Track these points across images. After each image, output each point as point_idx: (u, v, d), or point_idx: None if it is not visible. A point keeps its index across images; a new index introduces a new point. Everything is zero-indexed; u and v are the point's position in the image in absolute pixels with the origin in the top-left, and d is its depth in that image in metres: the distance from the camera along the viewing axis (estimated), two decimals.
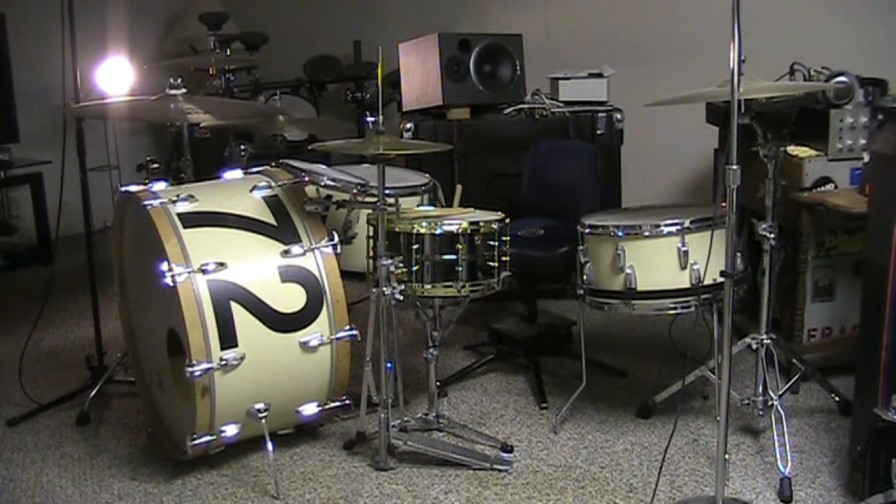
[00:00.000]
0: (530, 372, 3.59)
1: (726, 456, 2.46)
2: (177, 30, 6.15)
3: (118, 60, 4.40)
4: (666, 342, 3.69)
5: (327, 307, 2.98)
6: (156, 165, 3.51)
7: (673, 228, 2.94)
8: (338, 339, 2.98)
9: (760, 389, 3.02)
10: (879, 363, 2.49)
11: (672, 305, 2.97)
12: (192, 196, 2.99)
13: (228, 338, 2.82)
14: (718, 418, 2.45)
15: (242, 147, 4.03)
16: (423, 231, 2.91)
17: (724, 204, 2.39)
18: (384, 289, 2.85)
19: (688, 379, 3.12)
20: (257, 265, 2.94)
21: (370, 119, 2.87)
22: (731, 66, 2.27)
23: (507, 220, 3.03)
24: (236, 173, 3.26)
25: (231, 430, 2.88)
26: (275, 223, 3.02)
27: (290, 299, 2.94)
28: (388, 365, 2.90)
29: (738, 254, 2.92)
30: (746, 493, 2.75)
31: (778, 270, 3.33)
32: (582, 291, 3.10)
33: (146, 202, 2.94)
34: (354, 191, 3.08)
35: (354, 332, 3.00)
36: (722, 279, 2.41)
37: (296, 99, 5.75)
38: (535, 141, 4.02)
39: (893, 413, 2.38)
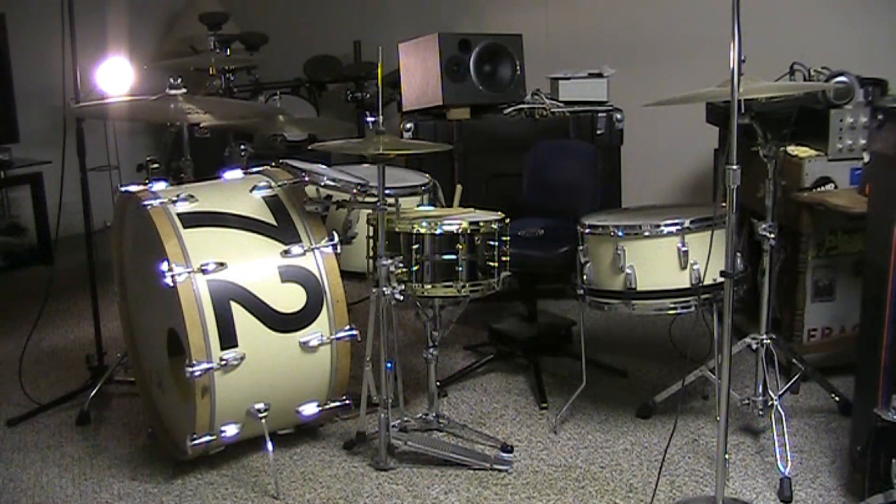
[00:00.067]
0: (530, 372, 3.59)
1: (726, 456, 2.46)
2: (177, 30, 6.15)
3: (118, 60, 4.40)
4: (666, 342, 3.69)
5: (327, 307, 2.98)
6: (156, 165, 3.50)
7: (673, 228, 2.94)
8: (338, 339, 2.98)
9: (760, 389, 3.02)
10: (879, 363, 2.48)
11: (672, 305, 2.97)
12: (192, 196, 2.99)
13: (228, 338, 2.82)
14: (718, 418, 2.45)
15: (242, 147, 4.03)
16: (423, 231, 2.91)
17: (724, 204, 2.39)
18: (384, 289, 2.85)
19: (688, 379, 3.12)
20: (257, 265, 2.94)
21: (370, 119, 2.87)
22: (731, 66, 2.27)
23: (507, 220, 3.03)
24: (236, 173, 3.26)
25: (231, 430, 2.88)
26: (275, 223, 3.02)
27: (290, 299, 2.94)
28: (388, 365, 2.90)
29: (738, 254, 2.93)
30: (746, 493, 2.75)
31: (778, 270, 3.33)
32: (582, 291, 3.10)
33: (146, 202, 2.94)
34: (354, 191, 3.08)
35: (354, 332, 3.00)
36: (722, 279, 2.41)
37: (296, 99, 5.75)
38: (535, 141, 4.02)
39: (893, 413, 2.38)
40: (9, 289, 4.97)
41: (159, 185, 3.09)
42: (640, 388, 3.49)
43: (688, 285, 2.93)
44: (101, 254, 3.54)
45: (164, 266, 2.78)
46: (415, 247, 2.90)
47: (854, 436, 2.74)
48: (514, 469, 2.93)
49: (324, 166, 3.38)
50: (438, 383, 3.21)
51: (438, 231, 2.91)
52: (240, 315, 2.85)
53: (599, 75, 4.37)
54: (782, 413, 2.88)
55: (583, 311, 3.18)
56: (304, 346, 2.94)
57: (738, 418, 3.16)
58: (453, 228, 2.91)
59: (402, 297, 2.87)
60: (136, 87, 4.33)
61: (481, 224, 2.95)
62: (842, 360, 3.38)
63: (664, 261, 2.95)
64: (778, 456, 2.77)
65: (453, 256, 2.91)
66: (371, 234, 2.96)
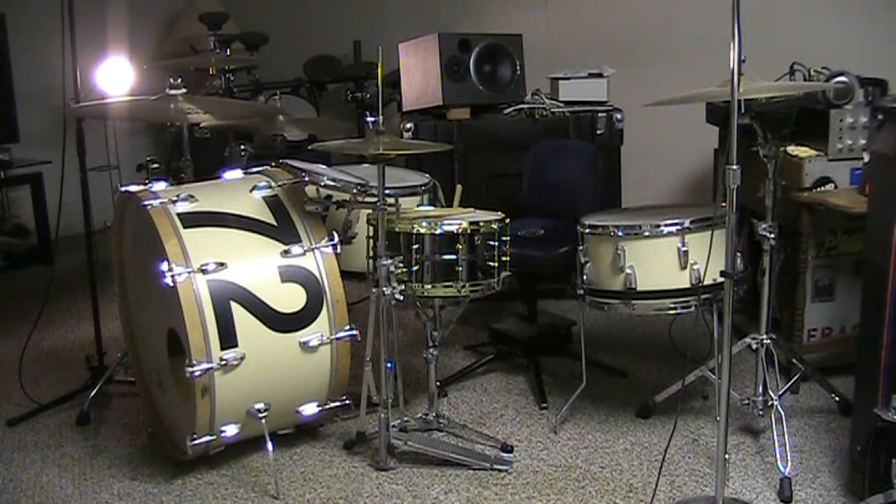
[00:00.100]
0: (530, 372, 3.59)
1: (726, 456, 2.46)
2: (177, 30, 6.15)
3: (118, 60, 4.40)
4: (666, 342, 3.69)
5: (327, 307, 2.98)
6: (156, 165, 3.50)
7: (673, 228, 2.94)
8: (338, 339, 2.98)
9: (760, 389, 3.02)
10: (879, 363, 2.48)
11: (672, 305, 2.97)
12: (192, 196, 2.99)
13: (228, 338, 2.82)
14: (718, 418, 2.45)
15: (242, 147, 4.03)
16: (423, 231, 2.91)
17: (724, 204, 2.39)
18: (384, 289, 2.85)
19: (688, 379, 3.12)
20: (257, 265, 2.94)
21: (370, 119, 2.87)
22: (731, 66, 2.27)
23: (507, 220, 3.03)
24: (236, 173, 3.26)
25: (231, 430, 2.88)
26: (275, 223, 3.02)
27: (290, 299, 2.94)
28: (388, 365, 2.90)
29: (738, 254, 2.92)
30: (746, 493, 2.75)
31: (778, 270, 3.33)
32: (582, 291, 3.10)
33: (146, 202, 2.94)
34: (354, 191, 3.08)
35: (354, 332, 3.00)
36: (722, 279, 2.41)
37: (296, 99, 5.75)
38: (535, 141, 4.02)
39: (893, 413, 2.38)
40: (9, 289, 4.97)
41: (159, 185, 3.09)
42: (640, 388, 3.49)
43: (688, 285, 2.93)
44: (101, 254, 3.54)
45: (164, 266, 2.78)
46: (415, 247, 2.90)
47: (854, 436, 2.74)
48: (514, 469, 2.93)
49: (324, 166, 3.38)
50: (438, 383, 3.21)
51: (438, 231, 2.91)
52: (240, 315, 2.85)
53: (599, 75, 4.37)
54: (782, 413, 2.88)
55: (583, 311, 3.18)
56: (304, 346, 2.94)
57: (738, 418, 3.16)
58: (453, 228, 2.91)
59: (402, 297, 2.87)
60: (136, 87, 4.33)
61: (481, 224, 2.95)
62: (842, 360, 3.38)
63: (664, 261, 2.95)
64: (778, 456, 2.77)
65: (453, 256, 2.91)
66: (371, 234, 2.96)
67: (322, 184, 3.16)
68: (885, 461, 2.36)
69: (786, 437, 2.83)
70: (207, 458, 2.99)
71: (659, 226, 2.95)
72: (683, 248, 2.92)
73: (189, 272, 2.81)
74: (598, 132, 4.29)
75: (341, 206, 3.11)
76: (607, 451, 3.05)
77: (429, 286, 2.92)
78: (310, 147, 3.22)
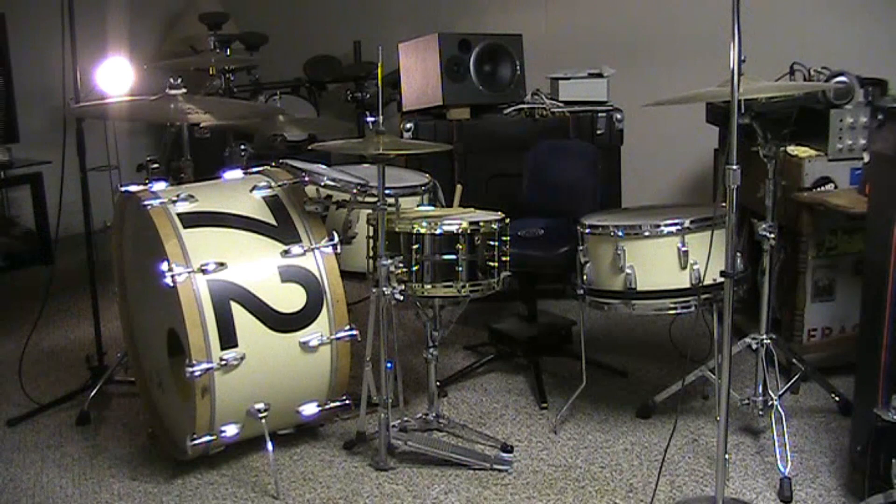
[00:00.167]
0: (530, 372, 3.59)
1: (726, 456, 2.46)
2: (177, 30, 6.15)
3: (118, 60, 4.40)
4: (666, 342, 3.69)
5: (327, 307, 2.98)
6: (156, 165, 3.50)
7: (673, 228, 2.94)
8: (338, 339, 2.98)
9: (760, 389, 3.02)
10: (879, 363, 2.48)
11: (672, 305, 2.97)
12: (192, 196, 2.99)
13: (228, 338, 2.82)
14: (718, 418, 2.45)
15: (242, 147, 4.03)
16: (423, 231, 2.91)
17: (724, 204, 2.39)
18: (384, 289, 2.85)
19: (688, 379, 3.12)
20: (257, 265, 2.94)
21: (370, 119, 2.87)
22: (731, 66, 2.27)
23: (507, 220, 3.03)
24: (236, 173, 3.26)
25: (231, 430, 2.88)
26: (275, 223, 3.02)
27: (290, 299, 2.94)
28: (388, 365, 2.90)
29: (738, 254, 2.92)
30: (746, 493, 2.75)
31: (778, 270, 3.33)
32: (582, 291, 3.10)
33: (146, 202, 2.94)
34: (354, 191, 3.08)
35: (354, 332, 3.00)
36: (722, 279, 2.41)
37: (296, 99, 5.75)
38: (535, 141, 4.02)
39: (893, 413, 2.38)
40: (9, 289, 4.97)
41: (159, 185, 3.09)
42: (640, 388, 3.49)
43: (688, 285, 2.93)
44: (101, 254, 3.53)
45: (164, 266, 2.78)
46: (415, 247, 2.90)
47: (854, 436, 2.73)
48: (514, 469, 2.93)
49: (324, 166, 3.37)
50: (438, 383, 3.21)
51: (438, 231, 2.91)
52: (240, 315, 2.85)
53: (599, 75, 4.37)
54: (782, 413, 2.88)
55: (583, 311, 3.18)
56: (304, 346, 2.94)
57: (738, 418, 3.16)
58: (453, 228, 2.91)
59: (402, 297, 2.87)
60: (136, 87, 4.33)
61: (481, 224, 2.95)
62: (842, 360, 3.38)
63: (664, 261, 2.95)
64: (778, 456, 2.77)
65: (453, 256, 2.91)
66: (371, 234, 2.96)
67: (322, 184, 3.16)
68: (885, 461, 2.36)
69: (786, 437, 2.83)
70: (207, 458, 2.99)
71: (659, 226, 2.95)
72: (683, 248, 2.92)
73: (189, 272, 2.81)
74: (598, 132, 4.29)
75: (341, 206, 3.11)
76: (607, 451, 3.05)
77: (429, 286, 2.92)
78: (310, 147, 3.22)
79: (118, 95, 4.17)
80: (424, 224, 2.92)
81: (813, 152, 3.40)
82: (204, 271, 2.83)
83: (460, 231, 2.91)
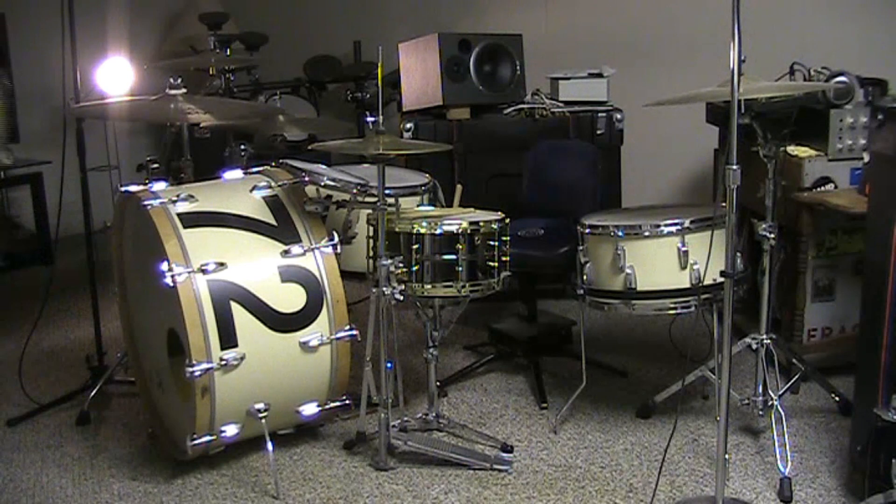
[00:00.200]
0: (530, 372, 3.59)
1: (726, 456, 2.46)
2: (177, 30, 6.15)
3: (118, 60, 4.40)
4: (666, 342, 3.69)
5: (327, 307, 2.98)
6: (156, 165, 3.50)
7: (673, 228, 2.94)
8: (338, 339, 2.98)
9: (760, 389, 3.02)
10: (879, 363, 2.48)
11: (672, 305, 2.97)
12: (192, 196, 2.99)
13: (228, 338, 2.82)
14: (718, 418, 2.45)
15: (242, 147, 4.03)
16: (423, 231, 2.91)
17: (724, 204, 2.39)
18: (384, 289, 2.85)
19: (688, 379, 3.12)
20: (257, 265, 2.94)
21: (370, 119, 2.87)
22: (731, 66, 2.27)
23: (507, 220, 3.03)
24: (236, 173, 3.26)
25: (231, 430, 2.88)
26: (275, 223, 3.02)
27: (290, 299, 2.94)
28: (388, 365, 2.90)
29: (738, 254, 2.92)
30: (746, 493, 2.75)
31: (778, 270, 3.33)
32: (582, 291, 3.10)
33: (146, 202, 2.94)
34: (354, 191, 3.08)
35: (354, 332, 3.00)
36: (722, 279, 2.42)
37: (296, 99, 5.75)
38: (535, 141, 4.02)
39: (893, 413, 2.38)
40: (9, 289, 4.97)
41: (159, 185, 3.09)
42: (640, 388, 3.49)
43: (688, 285, 2.93)
44: (101, 254, 3.53)
45: (164, 266, 2.78)
46: (415, 247, 2.90)
47: (854, 436, 2.74)
48: (514, 469, 2.93)
49: (324, 166, 3.38)
50: (438, 383, 3.21)
51: (438, 231, 2.91)
52: (240, 315, 2.85)
53: (599, 75, 4.37)
54: (782, 413, 2.88)
55: (583, 311, 3.18)
56: (304, 346, 2.94)
57: (738, 418, 3.16)
58: (453, 228, 2.91)
59: (402, 297, 2.87)
60: (136, 87, 4.33)
61: (481, 224, 2.95)
62: (842, 360, 3.38)
63: (664, 261, 2.95)
64: (778, 456, 2.77)
65: (453, 256, 2.91)
66: (371, 234, 2.96)
67: (322, 184, 3.16)
68: (885, 461, 2.36)
69: (786, 437, 2.83)
70: (207, 458, 2.99)
71: (659, 226, 2.95)
72: (683, 248, 2.92)
73: (189, 272, 2.81)
74: (598, 132, 4.29)
75: (341, 206, 3.11)
76: (607, 451, 3.05)
77: (429, 286, 2.92)
78: (310, 147, 3.22)
79: (118, 95, 4.17)
80: (424, 224, 2.92)
81: (813, 152, 3.40)
82: (204, 271, 2.83)
83: (460, 231, 2.91)
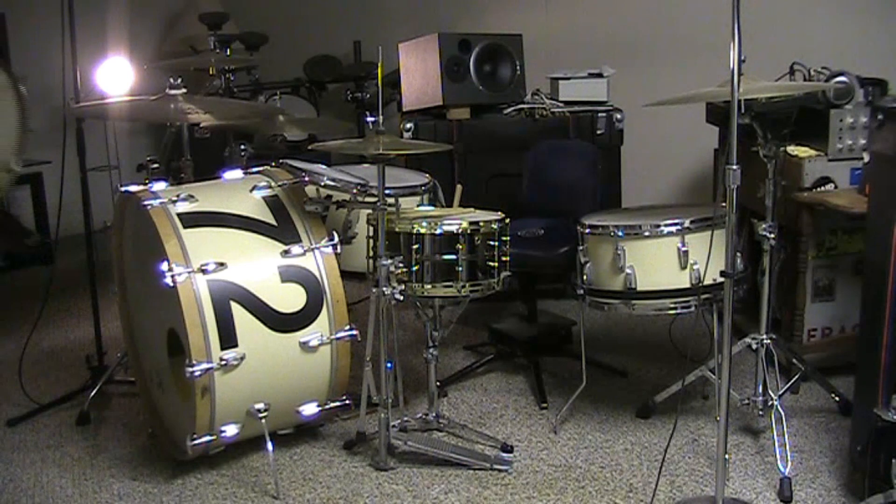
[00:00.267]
0: (530, 372, 3.59)
1: (726, 456, 2.46)
2: (177, 30, 6.15)
3: (118, 60, 4.40)
4: (666, 342, 3.69)
5: (327, 307, 2.98)
6: (156, 165, 3.50)
7: (673, 228, 2.94)
8: (338, 339, 2.98)
9: (760, 389, 3.02)
10: (879, 363, 2.48)
11: (672, 305, 2.97)
12: (192, 196, 2.99)
13: (228, 338, 2.82)
14: (718, 418, 2.45)
15: (242, 147, 4.03)
16: (423, 231, 2.91)
17: (724, 204, 2.39)
18: (384, 289, 2.84)
19: (688, 379, 3.12)
20: (257, 265, 2.94)
21: (370, 119, 2.88)
22: (731, 66, 2.27)
23: (507, 220, 3.03)
24: (236, 173, 3.26)
25: (231, 430, 2.88)
26: (275, 223, 3.02)
27: (290, 299, 2.94)
28: (388, 365, 2.90)
29: (738, 254, 2.92)
30: (746, 493, 2.75)
31: (778, 270, 3.33)
32: (582, 291, 3.10)
33: (146, 202, 2.94)
34: (354, 191, 3.08)
35: (354, 332, 3.00)
36: (722, 279, 2.42)
37: (296, 99, 5.75)
38: (535, 141, 4.02)
39: (893, 413, 2.38)
40: (9, 289, 4.97)
41: (159, 185, 3.09)
42: (640, 388, 3.49)
43: (688, 285, 2.93)
44: (101, 254, 3.54)
45: (164, 266, 2.78)
46: (415, 247, 2.90)
47: (854, 436, 2.74)
48: (514, 469, 2.93)
49: (324, 166, 3.38)
50: (438, 383, 3.21)
51: (438, 231, 2.91)
52: (240, 315, 2.85)
53: (599, 75, 4.37)
54: (782, 413, 2.88)
55: (583, 311, 3.18)
56: (304, 346, 2.94)
57: (738, 418, 3.16)
58: (453, 228, 2.91)
59: (402, 297, 2.87)
60: (136, 87, 4.33)
61: (481, 224, 2.95)
62: (842, 360, 3.38)
63: (664, 261, 2.95)
64: (778, 456, 2.77)
65: (453, 256, 2.91)
66: (371, 234, 2.96)
67: (322, 184, 3.16)
68: (885, 461, 2.36)
69: (786, 437, 2.83)
70: (207, 458, 2.99)
71: (659, 226, 2.95)
72: (683, 248, 2.92)
73: (189, 272, 2.81)
74: (598, 132, 4.29)
75: (341, 206, 3.11)
76: (607, 451, 3.05)
77: (429, 286, 2.92)
78: (310, 147, 3.22)
79: (118, 95, 4.17)
80: (424, 224, 2.92)
81: (813, 152, 3.40)
82: (204, 271, 2.83)
83: (460, 231, 2.91)
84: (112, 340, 3.73)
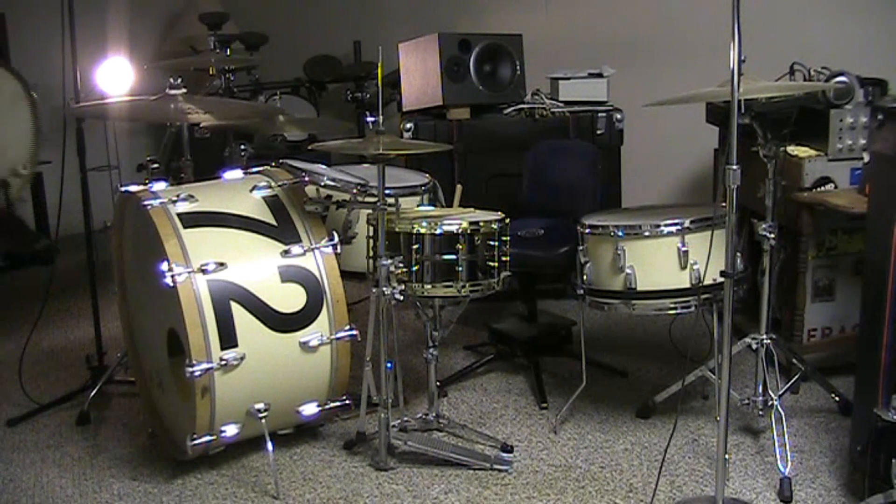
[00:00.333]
0: (530, 372, 3.59)
1: (726, 456, 2.46)
2: (177, 30, 6.15)
3: (118, 60, 4.40)
4: (666, 342, 3.69)
5: (327, 307, 2.98)
6: (156, 165, 3.50)
7: (673, 228, 2.94)
8: (338, 339, 2.98)
9: (760, 389, 3.02)
10: (879, 363, 2.48)
11: (672, 305, 2.97)
12: (192, 196, 2.99)
13: (228, 338, 2.82)
14: (718, 418, 2.45)
15: (242, 147, 4.03)
16: (423, 231, 2.91)
17: (724, 204, 2.39)
18: (384, 289, 2.85)
19: (688, 379, 3.12)
20: (257, 265, 2.94)
21: (370, 119, 2.88)
22: (731, 66, 2.27)
23: (507, 220, 3.03)
24: (236, 173, 3.26)
25: (231, 430, 2.88)
26: (275, 223, 3.02)
27: (290, 299, 2.94)
28: (388, 365, 2.90)
29: (738, 254, 2.92)
30: (746, 493, 2.75)
31: (778, 270, 3.33)
32: (582, 291, 3.10)
33: (146, 202, 2.94)
34: (354, 191, 3.08)
35: (354, 332, 3.00)
36: (722, 279, 2.42)
37: (296, 99, 5.75)
38: (535, 141, 4.02)
39: (893, 413, 2.38)
40: (9, 289, 4.97)
41: (159, 185, 3.09)
42: (640, 388, 3.49)
43: (688, 285, 2.93)
44: (101, 254, 3.53)
45: (164, 266, 2.78)
46: (415, 247, 2.90)
47: (854, 436, 2.74)
48: (514, 469, 2.93)
49: (324, 166, 3.38)
50: (438, 383, 3.21)
51: (438, 231, 2.91)
52: (240, 315, 2.85)
53: (599, 75, 4.37)
54: (782, 413, 2.88)
55: (583, 311, 3.18)
56: (304, 346, 2.94)
57: (738, 418, 3.16)
58: (453, 228, 2.91)
59: (402, 297, 2.87)
60: (136, 87, 4.33)
61: (481, 224, 2.95)
62: (842, 360, 3.38)
63: (664, 261, 2.95)
64: (778, 456, 2.77)
65: (453, 256, 2.91)
66: (371, 234, 2.96)
67: (322, 184, 3.16)
68: (885, 461, 2.36)
69: (786, 437, 2.83)
70: (207, 458, 2.99)
71: (659, 226, 2.95)
72: (683, 248, 2.92)
73: (189, 272, 2.81)
74: (598, 132, 4.29)
75: (341, 206, 3.11)
76: (607, 451, 3.05)
77: (429, 286, 2.92)
78: (310, 147, 3.22)
79: (118, 95, 4.17)
80: (424, 224, 2.92)
81: (813, 152, 3.40)
82: (204, 271, 2.83)
83: (460, 231, 2.91)
84: (112, 340, 3.73)
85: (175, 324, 2.87)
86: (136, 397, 3.39)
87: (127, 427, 3.31)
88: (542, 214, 3.71)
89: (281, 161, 3.33)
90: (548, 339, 3.72)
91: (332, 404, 3.06)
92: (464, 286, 2.93)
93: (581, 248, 3.10)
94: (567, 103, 4.36)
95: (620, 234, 2.98)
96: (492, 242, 2.96)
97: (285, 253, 2.96)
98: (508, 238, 3.03)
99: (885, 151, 2.61)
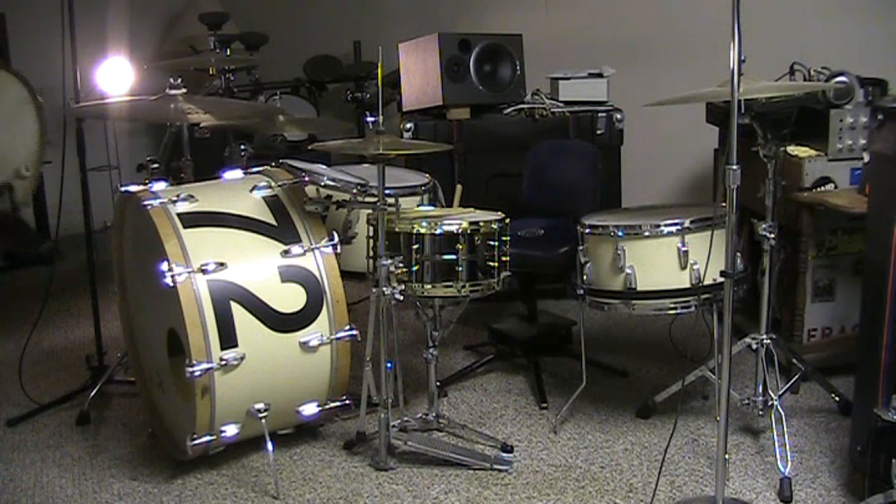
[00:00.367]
0: (530, 372, 3.59)
1: (726, 456, 2.46)
2: (177, 30, 6.15)
3: (118, 60, 4.40)
4: (666, 342, 3.69)
5: (327, 307, 2.98)
6: (156, 165, 3.50)
7: (673, 228, 2.94)
8: (338, 339, 2.98)
9: (760, 389, 3.02)
10: (879, 363, 2.49)
11: (672, 305, 2.97)
12: (192, 196, 2.99)
13: (228, 338, 2.82)
14: (718, 418, 2.45)
15: (242, 147, 4.03)
16: (423, 231, 2.91)
17: (724, 204, 2.39)
18: (384, 289, 2.85)
19: (688, 379, 3.12)
20: (257, 265, 2.94)
21: (370, 119, 2.88)
22: (731, 66, 2.27)
23: (507, 220, 3.03)
24: (236, 173, 3.26)
25: (231, 430, 2.88)
26: (275, 223, 3.02)
27: (290, 299, 2.94)
28: (388, 365, 2.90)
29: (738, 254, 2.93)
30: (746, 493, 2.75)
31: (778, 270, 3.33)
32: (582, 291, 3.10)
33: (146, 202, 2.94)
34: (354, 191, 3.08)
35: (354, 332, 3.00)
36: (722, 279, 2.42)
37: (296, 99, 5.75)
38: (535, 141, 4.02)
39: (893, 413, 2.39)
40: (9, 289, 4.97)
41: (159, 185, 3.09)
42: (640, 388, 3.49)
43: (688, 285, 2.93)
44: (101, 254, 3.53)
45: (164, 266, 2.78)
46: (415, 247, 2.90)
47: (854, 436, 2.74)
48: (514, 469, 2.93)
49: (324, 166, 3.38)
50: (438, 383, 3.21)
51: (438, 231, 2.91)
52: (240, 315, 2.85)
53: (599, 75, 4.37)
54: (782, 413, 2.88)
55: (583, 311, 3.18)
56: (304, 346, 2.94)
57: (738, 418, 3.16)
58: (453, 228, 2.91)
59: (402, 297, 2.87)
60: (136, 87, 4.32)
61: (481, 224, 2.95)
62: (842, 360, 3.38)
63: (664, 261, 2.95)
64: (778, 456, 2.77)
65: (453, 256, 2.91)
66: (371, 234, 2.96)
67: (322, 184, 3.16)
68: (885, 461, 2.36)
69: (786, 437, 2.83)
70: (207, 458, 2.99)
71: (659, 226, 2.95)
72: (683, 248, 2.92)
73: (189, 272, 2.81)
74: (598, 132, 4.29)
75: (341, 206, 3.11)
76: (607, 451, 3.05)
77: (429, 286, 2.92)
78: (310, 147, 3.22)
79: (118, 95, 4.17)
80: (424, 224, 2.92)
81: (813, 152, 3.40)
82: (204, 271, 2.83)
83: (460, 231, 2.91)
84: (112, 340, 3.73)
85: (175, 324, 2.87)
86: (136, 397, 3.39)
87: (127, 427, 3.31)
88: (542, 214, 3.71)
89: (281, 161, 3.33)
90: (548, 339, 3.72)
91: (332, 404, 3.06)
92: (464, 286, 2.93)
93: (581, 248, 3.10)
94: (567, 103, 4.36)
95: (620, 234, 2.98)
96: (492, 242, 2.96)
97: (285, 253, 2.96)
98: (508, 238, 3.03)
99: (885, 151, 2.61)
